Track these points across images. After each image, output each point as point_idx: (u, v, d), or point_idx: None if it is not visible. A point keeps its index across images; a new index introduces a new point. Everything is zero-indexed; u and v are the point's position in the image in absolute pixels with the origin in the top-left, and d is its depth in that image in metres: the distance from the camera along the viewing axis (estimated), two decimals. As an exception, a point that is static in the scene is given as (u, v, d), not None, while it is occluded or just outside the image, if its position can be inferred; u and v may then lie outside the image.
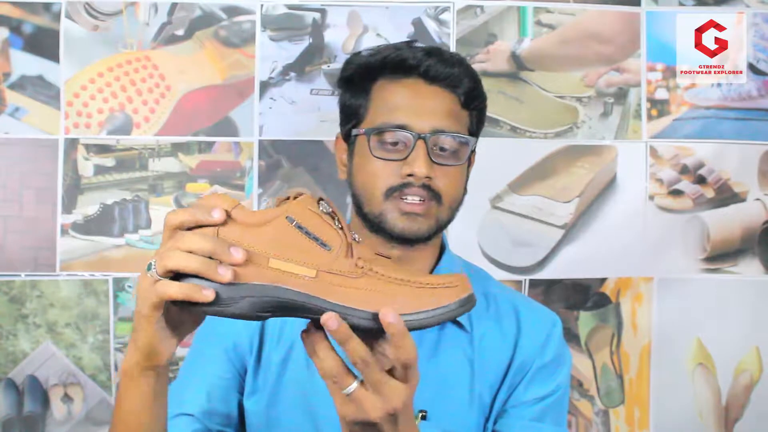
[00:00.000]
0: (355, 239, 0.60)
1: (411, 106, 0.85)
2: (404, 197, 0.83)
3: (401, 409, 0.58)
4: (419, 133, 0.83)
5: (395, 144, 0.84)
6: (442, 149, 0.85)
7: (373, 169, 0.84)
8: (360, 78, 0.89)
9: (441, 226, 0.87)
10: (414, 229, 0.84)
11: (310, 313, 0.57)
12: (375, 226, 0.85)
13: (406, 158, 0.83)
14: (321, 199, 0.61)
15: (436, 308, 0.58)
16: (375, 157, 0.84)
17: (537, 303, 0.98)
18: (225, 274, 0.55)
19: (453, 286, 0.58)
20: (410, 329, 0.57)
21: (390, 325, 0.56)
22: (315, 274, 0.57)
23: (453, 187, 0.86)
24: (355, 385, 0.58)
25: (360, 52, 0.91)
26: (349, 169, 0.90)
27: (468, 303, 0.59)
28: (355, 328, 0.56)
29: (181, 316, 0.61)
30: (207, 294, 0.55)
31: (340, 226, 0.60)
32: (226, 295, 0.56)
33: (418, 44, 0.90)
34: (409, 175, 0.82)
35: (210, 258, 0.56)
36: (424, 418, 0.83)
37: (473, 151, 0.92)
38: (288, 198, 0.61)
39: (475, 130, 0.91)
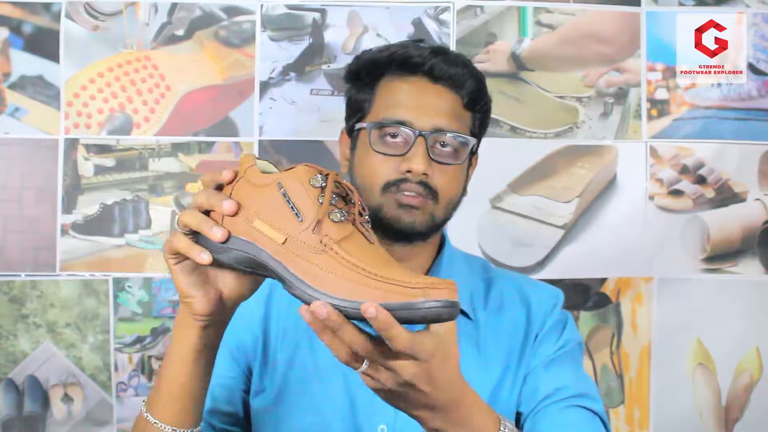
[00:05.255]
0: (340, 218, 0.59)
1: (414, 103, 0.86)
2: (401, 192, 0.84)
3: (417, 378, 0.56)
4: (420, 130, 0.84)
5: (396, 139, 0.85)
6: (442, 147, 0.86)
7: (373, 163, 0.85)
8: (366, 73, 0.90)
9: (436, 224, 0.87)
10: (409, 221, 0.84)
11: (281, 281, 0.59)
12: (373, 220, 0.85)
13: (405, 154, 0.84)
14: (327, 174, 0.61)
15: (397, 302, 0.53)
16: (375, 151, 0.85)
17: (537, 280, 1.00)
18: (216, 234, 0.60)
19: (434, 288, 0.53)
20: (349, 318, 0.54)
21: (372, 320, 0.52)
22: (283, 241, 0.58)
23: (450, 185, 0.86)
24: (364, 366, 0.57)
25: (370, 49, 0.92)
26: (350, 162, 0.91)
27: (449, 307, 0.53)
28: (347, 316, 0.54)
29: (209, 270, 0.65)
30: (204, 257, 0.60)
31: (322, 201, 0.59)
32: (222, 244, 0.61)
33: (425, 44, 0.91)
34: (407, 171, 0.83)
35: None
36: None
37: (475, 153, 0.92)
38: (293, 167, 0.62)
39: (477, 132, 0.91)
